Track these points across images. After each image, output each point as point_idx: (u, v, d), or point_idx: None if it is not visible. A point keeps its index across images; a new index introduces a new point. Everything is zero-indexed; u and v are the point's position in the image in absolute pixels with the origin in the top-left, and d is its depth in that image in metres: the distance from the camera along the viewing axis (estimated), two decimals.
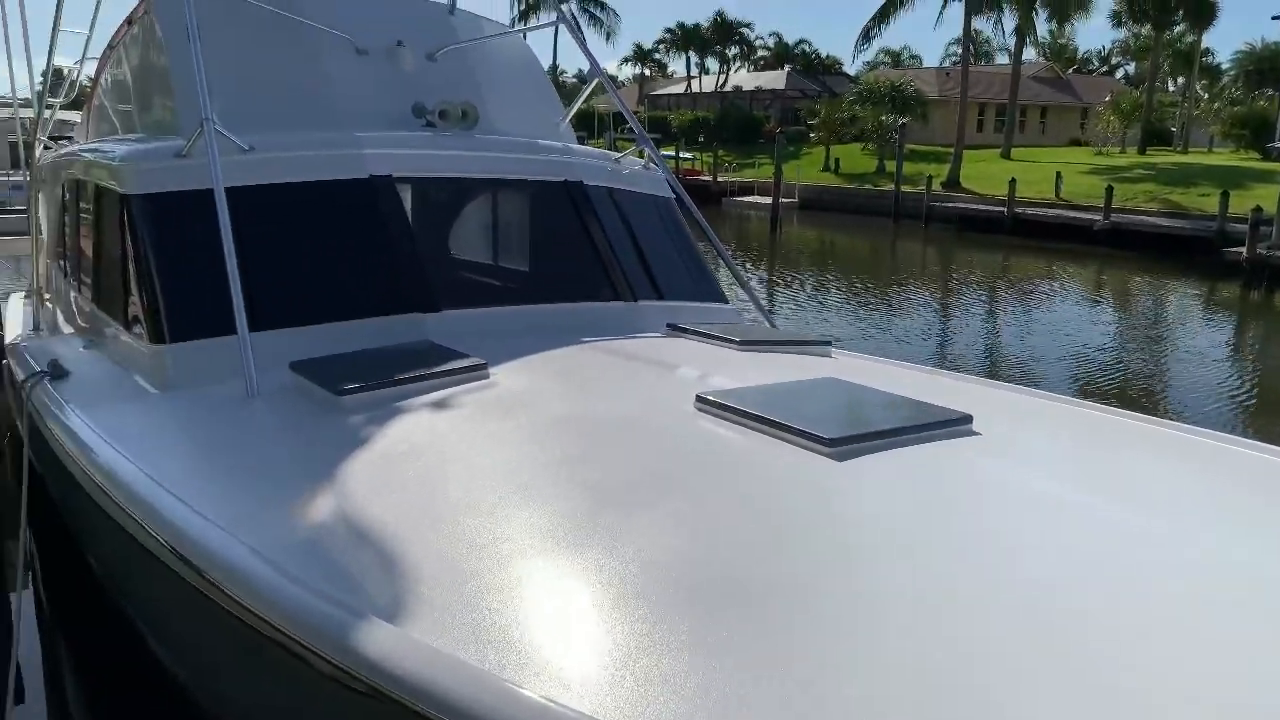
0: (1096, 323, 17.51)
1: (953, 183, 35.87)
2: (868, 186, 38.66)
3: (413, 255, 4.52)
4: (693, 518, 2.49)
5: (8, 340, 7.22)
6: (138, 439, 3.60)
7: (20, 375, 4.95)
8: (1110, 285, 22.23)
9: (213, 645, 2.94)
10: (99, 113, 7.28)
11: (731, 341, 4.39)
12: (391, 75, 5.55)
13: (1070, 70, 70.38)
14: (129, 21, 6.22)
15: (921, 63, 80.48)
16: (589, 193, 5.24)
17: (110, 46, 6.68)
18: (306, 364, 3.81)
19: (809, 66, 70.39)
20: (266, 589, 2.41)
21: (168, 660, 3.61)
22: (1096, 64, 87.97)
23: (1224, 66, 60.59)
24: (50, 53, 7.31)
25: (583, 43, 6.15)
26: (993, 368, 13.07)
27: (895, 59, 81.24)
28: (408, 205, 4.67)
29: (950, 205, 32.34)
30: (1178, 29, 48.63)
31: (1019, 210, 29.63)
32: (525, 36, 6.34)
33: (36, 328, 7.26)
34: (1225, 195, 24.60)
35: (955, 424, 3.09)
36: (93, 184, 5.22)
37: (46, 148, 7.70)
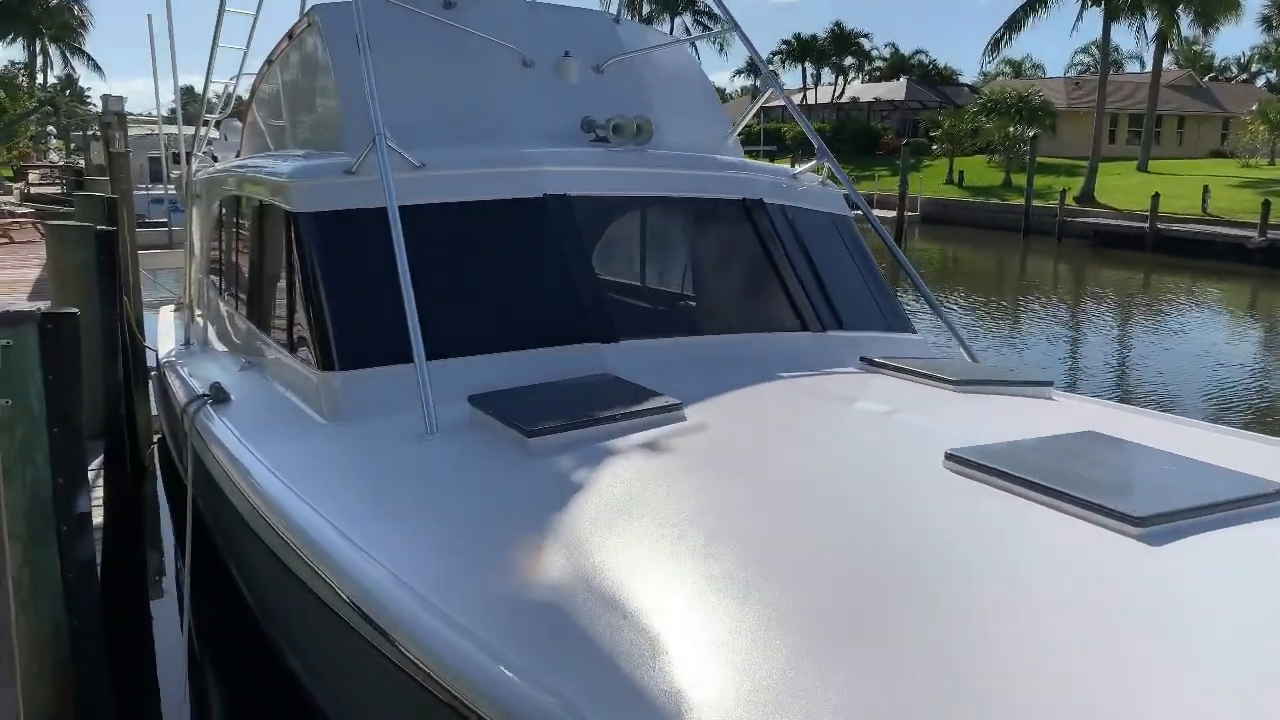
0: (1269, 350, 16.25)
1: (1087, 196, 34.26)
2: (994, 200, 37.26)
3: (590, 280, 4.20)
4: (979, 621, 2.05)
5: (162, 355, 7.22)
6: (309, 475, 3.35)
7: (182, 398, 4.80)
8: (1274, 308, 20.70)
9: (394, 713, 2.64)
10: (254, 128, 7.24)
11: (944, 380, 3.92)
12: (558, 88, 5.27)
13: (1207, 78, 66.94)
14: (289, 36, 6.11)
15: (1044, 72, 77.81)
16: (769, 212, 4.84)
17: (269, 61, 6.61)
18: (488, 398, 3.50)
19: (926, 77, 68.65)
20: (468, 667, 2.10)
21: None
22: (1235, 71, 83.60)
23: None
24: (209, 68, 7.31)
25: (754, 51, 5.78)
26: (1168, 400, 12.15)
27: (1016, 69, 78.59)
28: (583, 225, 4.36)
29: (1085, 220, 30.85)
30: None
31: (1162, 226, 28.03)
32: (694, 48, 5.99)
33: (187, 343, 7.24)
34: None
35: None
36: (255, 200, 5.07)
37: (203, 161, 7.70)
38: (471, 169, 4.44)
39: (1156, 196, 28.42)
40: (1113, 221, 30.62)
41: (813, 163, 5.35)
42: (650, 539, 2.50)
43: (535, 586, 2.32)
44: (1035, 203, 33.47)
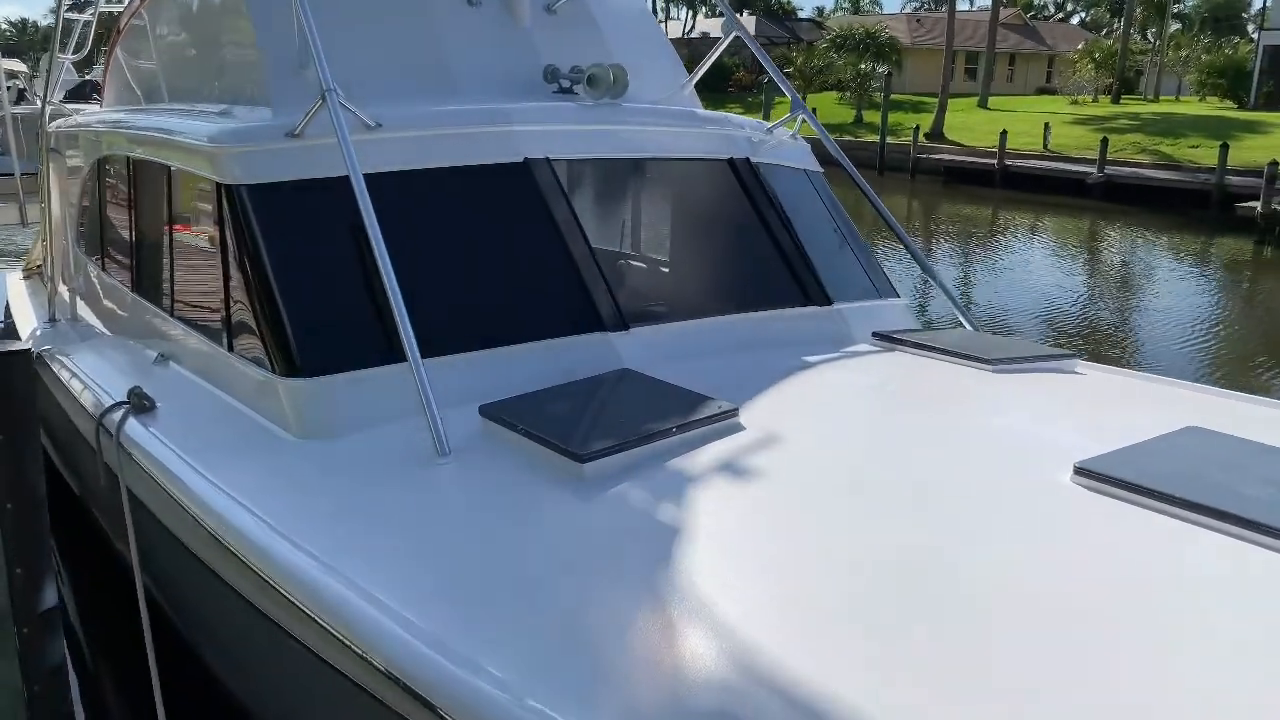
0: (1129, 284, 17.08)
1: (936, 133, 35.22)
2: (847, 138, 37.88)
3: (590, 260, 3.70)
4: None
5: (22, 334, 6.23)
6: (301, 515, 2.79)
7: (88, 404, 4.05)
8: (1123, 242, 21.78)
9: None
10: (121, 74, 6.26)
11: (977, 360, 3.65)
12: (510, 31, 4.65)
13: (1029, 16, 69.88)
14: None
15: (881, 8, 79.39)
16: (759, 172, 4.44)
17: None
18: (505, 409, 3.00)
19: (770, 11, 68.95)
20: None
21: None
22: (1053, 10, 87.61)
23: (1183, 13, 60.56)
24: (59, 3, 6.25)
25: None
26: (1014, 328, 12.50)
27: (855, 5, 79.92)
28: (571, 194, 3.84)
29: (937, 157, 31.72)
30: None
31: (1009, 163, 29.10)
32: None
33: (53, 319, 6.29)
34: (1225, 148, 24.29)
35: None
36: (162, 165, 4.30)
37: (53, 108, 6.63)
38: (437, 129, 3.83)
39: (1004, 134, 29.45)
40: (963, 158, 31.61)
41: (788, 116, 4.95)
42: (799, 603, 2.10)
43: (689, 689, 1.89)
44: (888, 139, 34.17)
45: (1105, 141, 27.19)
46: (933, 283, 5.02)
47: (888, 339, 3.97)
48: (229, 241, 3.66)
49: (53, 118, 6.59)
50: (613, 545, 2.42)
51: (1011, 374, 3.59)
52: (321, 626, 2.38)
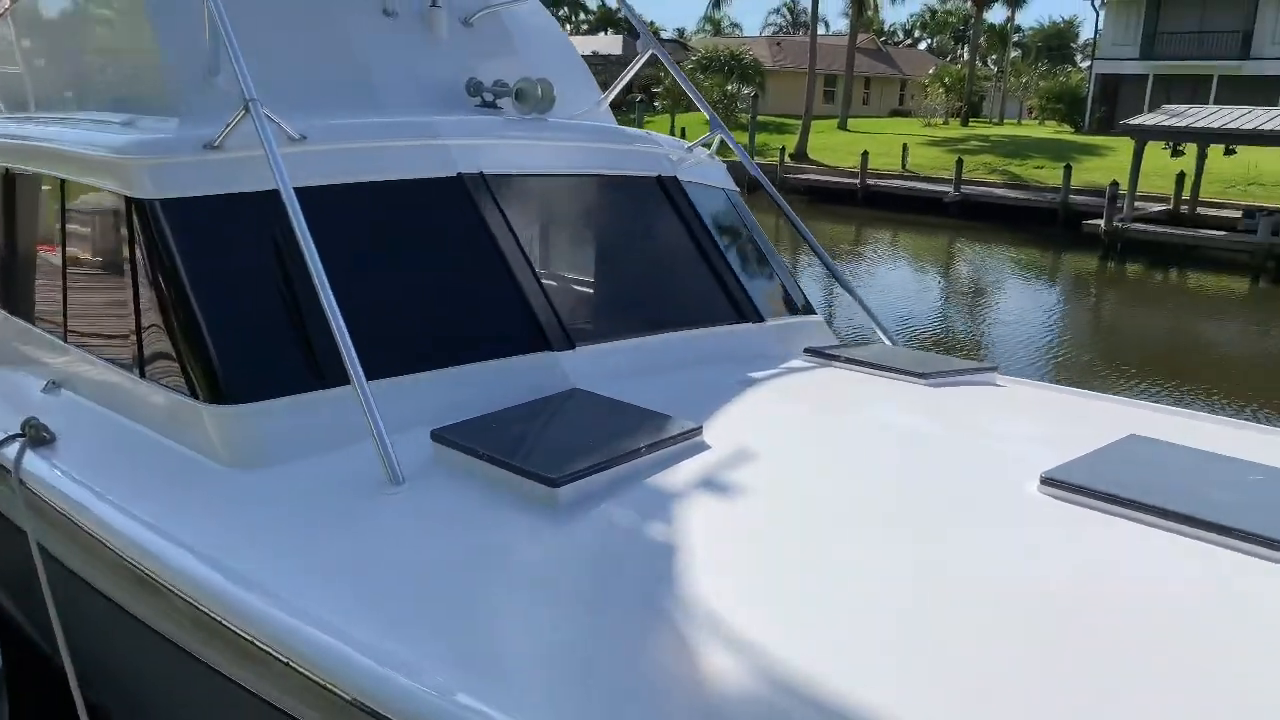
0: (988, 295, 17.90)
1: (800, 153, 36.26)
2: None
3: (532, 276, 3.61)
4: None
5: None
6: (243, 545, 2.61)
7: None
8: (979, 257, 22.87)
9: None
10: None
11: (908, 373, 3.73)
12: (427, 43, 4.52)
13: (882, 42, 73.02)
14: None
15: (742, 32, 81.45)
16: (686, 190, 4.44)
17: None
18: (459, 432, 2.89)
19: (633, 33, 69.70)
20: None
21: None
22: (902, 36, 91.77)
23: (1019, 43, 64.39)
24: None
25: (630, 9, 5.27)
26: (954, 346, 12.97)
27: (716, 27, 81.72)
28: (507, 210, 3.74)
29: (802, 177, 32.62)
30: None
31: (870, 182, 30.20)
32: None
33: None
34: (1068, 169, 25.84)
35: None
36: (51, 178, 3.98)
37: None
38: (365, 142, 3.68)
39: (865, 155, 30.56)
40: (826, 178, 32.62)
41: (707, 135, 4.98)
42: (811, 624, 2.08)
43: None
44: (755, 159, 34.93)
45: (960, 162, 28.56)
46: (838, 298, 5.10)
47: (820, 354, 4.02)
48: (139, 260, 3.41)
49: None
50: (599, 572, 2.35)
51: (944, 387, 3.68)
52: (285, 665, 2.22)
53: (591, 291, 3.80)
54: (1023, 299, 17.53)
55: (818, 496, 2.64)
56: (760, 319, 4.17)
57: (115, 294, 3.61)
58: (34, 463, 3.28)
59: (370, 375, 2.95)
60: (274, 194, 3.31)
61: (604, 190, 4.20)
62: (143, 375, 3.43)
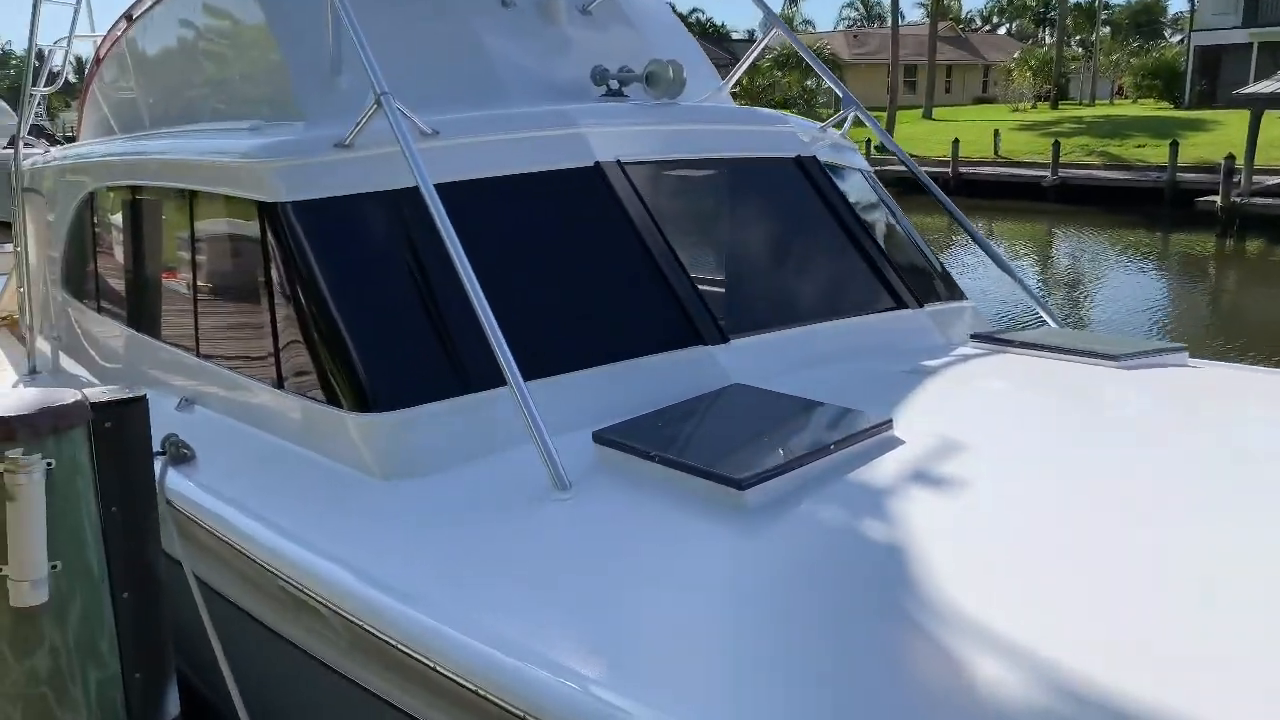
0: (1110, 279, 17.16)
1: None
2: None
3: (679, 268, 3.37)
4: None
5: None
6: (409, 569, 2.41)
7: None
8: (1086, 241, 21.98)
9: None
10: (99, 104, 5.81)
11: (1098, 356, 3.38)
12: (548, 32, 4.33)
13: (960, 29, 71.41)
14: None
15: (814, 28, 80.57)
16: (829, 172, 4.16)
17: (127, 18, 5.24)
18: (622, 434, 2.66)
19: (705, 35, 69.49)
20: None
21: None
22: (979, 22, 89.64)
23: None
24: (32, 31, 5.79)
25: None
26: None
27: (790, 24, 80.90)
28: (649, 200, 3.51)
29: (893, 168, 31.91)
30: None
31: (962, 170, 29.35)
32: None
33: (33, 371, 5.81)
34: (1175, 146, 24.71)
35: None
36: (187, 192, 3.88)
37: (28, 144, 6.15)
38: (498, 134, 3.49)
39: (956, 142, 29.72)
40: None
41: (840, 114, 4.69)
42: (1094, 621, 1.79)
43: None
44: None
45: (1057, 145, 27.58)
46: (1005, 283, 4.73)
47: (991, 340, 3.69)
48: (274, 268, 3.27)
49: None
50: (810, 581, 2.08)
51: (1141, 369, 3.32)
52: (471, 693, 2.02)
53: (738, 281, 3.54)
54: (1146, 281, 16.73)
55: (1051, 492, 2.33)
56: (918, 304, 3.86)
57: (249, 305, 3.48)
58: (178, 481, 3.16)
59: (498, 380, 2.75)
60: (410, 192, 3.14)
61: (743, 174, 3.94)
62: (281, 386, 3.29)
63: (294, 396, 3.21)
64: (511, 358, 2.68)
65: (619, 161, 3.54)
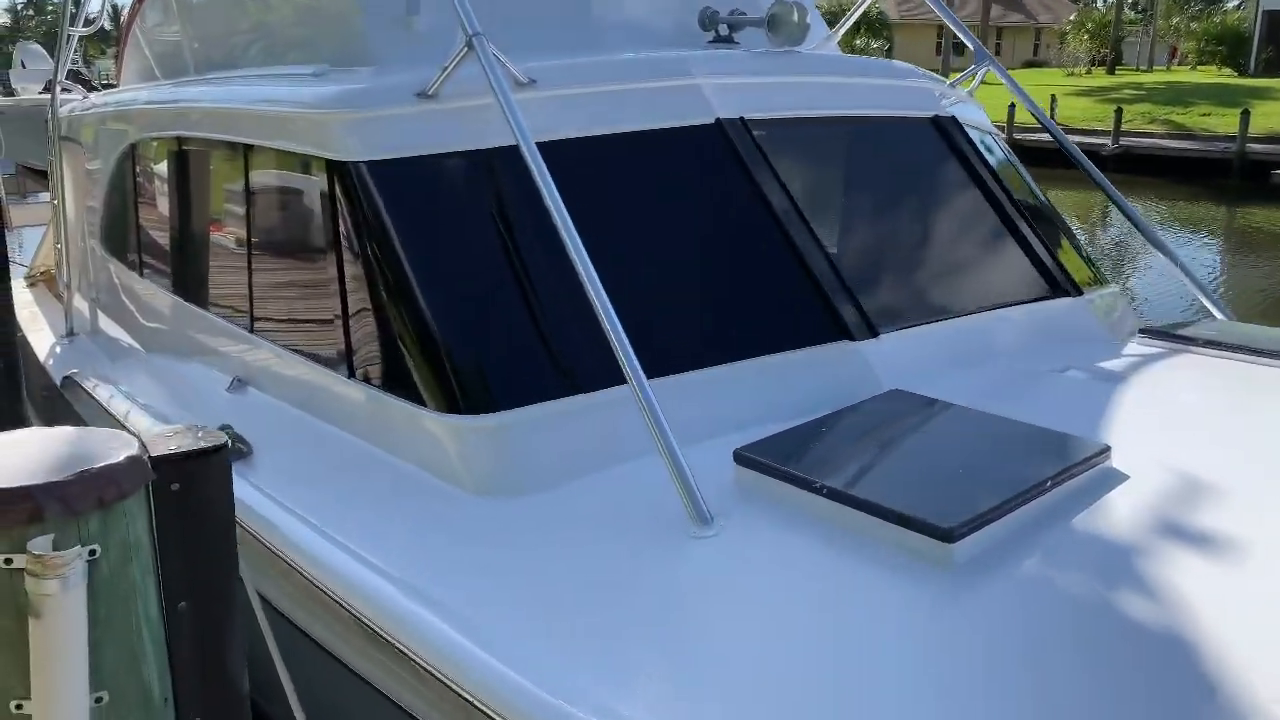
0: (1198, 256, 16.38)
1: None
2: None
3: (817, 247, 2.88)
4: None
5: (44, 355, 5.31)
6: (517, 616, 1.96)
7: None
8: (1156, 213, 21.10)
9: None
10: (141, 49, 5.35)
11: None
12: None
13: None
14: None
15: None
16: (970, 136, 3.63)
17: None
18: (773, 455, 2.18)
19: None
20: None
21: None
22: None
23: None
24: None
25: None
26: None
27: None
28: (778, 164, 3.00)
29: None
30: None
31: (1018, 136, 28.32)
32: None
33: (71, 333, 5.40)
34: (1245, 115, 23.62)
35: None
36: (242, 146, 3.42)
37: (65, 90, 5.71)
38: (603, 84, 2.99)
39: (1012, 107, 28.60)
40: None
41: (970, 68, 4.13)
42: None
43: None
44: None
45: (1120, 111, 26.51)
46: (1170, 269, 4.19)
47: (1165, 336, 3.17)
48: (346, 238, 2.81)
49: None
50: (1053, 669, 1.61)
51: None
52: None
53: (879, 262, 3.05)
54: (1237, 260, 15.95)
55: None
56: (1078, 291, 3.34)
57: (314, 279, 3.03)
58: (236, 484, 2.72)
59: (621, 377, 2.28)
60: (506, 152, 2.66)
61: (876, 135, 3.42)
62: (351, 375, 2.84)
63: (367, 388, 2.75)
64: (634, 356, 2.20)
65: (743, 119, 3.03)
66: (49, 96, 5.71)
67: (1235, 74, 37.37)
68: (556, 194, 2.38)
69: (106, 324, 5.22)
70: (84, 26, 5.71)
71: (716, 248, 2.83)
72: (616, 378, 2.33)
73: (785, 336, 2.70)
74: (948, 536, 1.81)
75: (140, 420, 3.43)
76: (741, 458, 2.20)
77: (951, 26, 4.28)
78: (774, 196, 2.88)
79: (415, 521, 2.36)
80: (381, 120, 2.77)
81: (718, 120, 2.98)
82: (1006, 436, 2.22)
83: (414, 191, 2.71)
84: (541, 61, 2.97)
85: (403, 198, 2.71)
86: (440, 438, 2.48)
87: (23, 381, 5.20)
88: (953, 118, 3.61)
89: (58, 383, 4.65)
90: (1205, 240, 17.91)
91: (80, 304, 5.57)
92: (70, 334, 5.40)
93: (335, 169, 2.79)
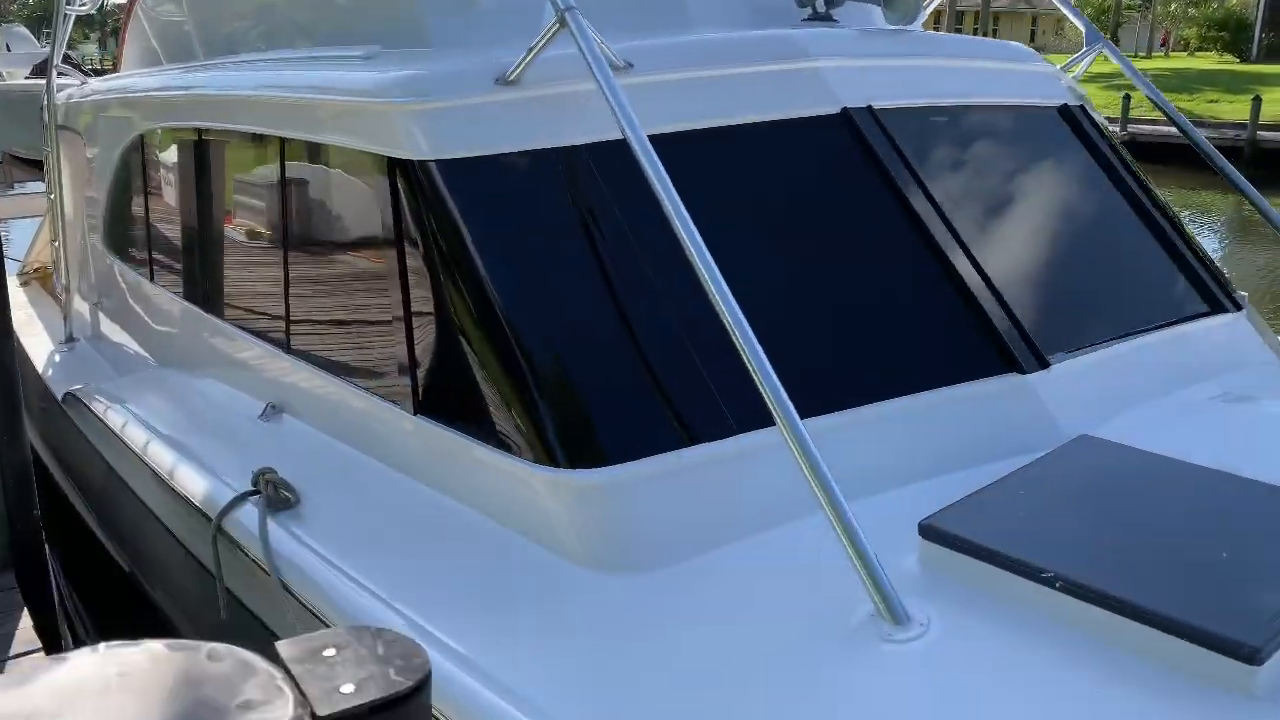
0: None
1: None
2: None
3: (968, 259, 2.46)
4: None
5: (42, 363, 4.83)
6: None
7: (194, 491, 2.71)
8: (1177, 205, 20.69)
9: None
10: (143, 30, 4.87)
11: None
12: None
13: None
14: None
15: None
16: (1101, 128, 3.22)
17: None
18: (973, 528, 1.76)
19: None
20: None
21: None
22: None
23: None
24: None
25: None
26: None
27: None
28: (915, 161, 2.58)
29: None
30: None
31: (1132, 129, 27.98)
32: None
33: (70, 339, 4.95)
34: (1257, 101, 23.32)
35: None
36: (275, 140, 2.97)
37: (61, 74, 5.22)
38: (710, 68, 2.55)
39: (1127, 98, 28.30)
40: None
41: (1084, 52, 3.71)
42: None
43: None
44: None
45: (1128, 98, 26.16)
46: None
47: None
48: (412, 250, 2.37)
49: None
50: None
51: None
52: None
53: (1034, 278, 2.63)
54: (1243, 248, 15.59)
55: None
56: (1237, 306, 2.93)
57: (369, 294, 2.59)
58: (287, 545, 2.29)
59: (745, 422, 1.87)
60: (607, 149, 2.23)
61: (1009, 127, 2.99)
62: (419, 410, 2.41)
63: (440, 428, 2.32)
64: (788, 401, 1.78)
65: (870, 108, 2.60)
66: (38, 82, 5.25)
67: (1236, 60, 37.04)
68: (679, 201, 1.96)
69: (110, 329, 4.77)
70: (80, 5, 5.23)
71: (852, 263, 2.41)
72: (753, 421, 1.92)
73: (942, 370, 2.28)
74: (1252, 657, 1.40)
75: (162, 454, 2.99)
76: (931, 531, 1.78)
77: (1064, 9, 3.86)
78: (915, 200, 2.46)
79: (517, 606, 1.93)
80: (456, 111, 2.34)
81: (844, 109, 2.55)
82: (1250, 501, 1.81)
83: (498, 196, 2.28)
84: (624, 42, 2.54)
85: (484, 203, 2.27)
86: (541, 496, 2.05)
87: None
88: (1081, 106, 3.20)
89: (58, 396, 4.20)
90: (1214, 227, 17.56)
91: (80, 307, 5.12)
92: (70, 340, 4.94)
93: (400, 169, 2.36)
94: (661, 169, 1.99)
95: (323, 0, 3.29)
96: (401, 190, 2.37)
